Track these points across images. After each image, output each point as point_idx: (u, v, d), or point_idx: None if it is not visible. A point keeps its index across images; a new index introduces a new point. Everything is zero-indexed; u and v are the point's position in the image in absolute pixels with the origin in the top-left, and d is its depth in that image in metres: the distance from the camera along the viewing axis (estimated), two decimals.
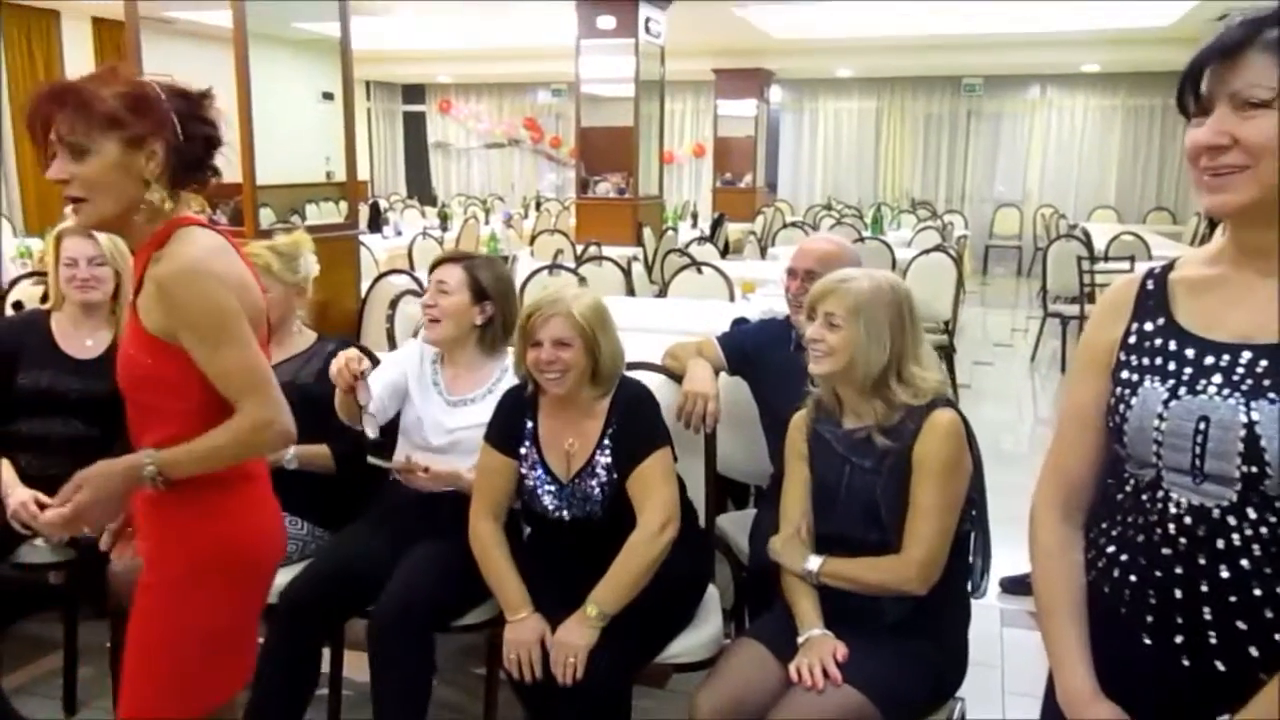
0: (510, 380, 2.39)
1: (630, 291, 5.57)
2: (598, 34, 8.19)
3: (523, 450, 2.21)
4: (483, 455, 2.24)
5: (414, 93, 16.34)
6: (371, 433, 2.29)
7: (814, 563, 1.95)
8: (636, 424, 2.16)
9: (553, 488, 2.18)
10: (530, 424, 2.22)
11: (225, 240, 1.63)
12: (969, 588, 2.05)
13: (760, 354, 2.68)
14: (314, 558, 2.43)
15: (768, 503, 2.65)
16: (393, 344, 4.00)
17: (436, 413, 2.42)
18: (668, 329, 3.44)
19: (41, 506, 2.49)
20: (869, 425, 1.95)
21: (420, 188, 15.99)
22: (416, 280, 4.74)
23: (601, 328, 2.14)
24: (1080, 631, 1.30)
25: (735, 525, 2.73)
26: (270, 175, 4.17)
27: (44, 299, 3.06)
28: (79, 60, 9.64)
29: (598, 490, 2.15)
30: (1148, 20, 9.77)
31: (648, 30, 8.29)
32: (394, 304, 4.07)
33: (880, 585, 1.90)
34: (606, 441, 2.16)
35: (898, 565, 1.88)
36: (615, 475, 2.14)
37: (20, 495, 2.50)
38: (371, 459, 2.33)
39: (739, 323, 3.09)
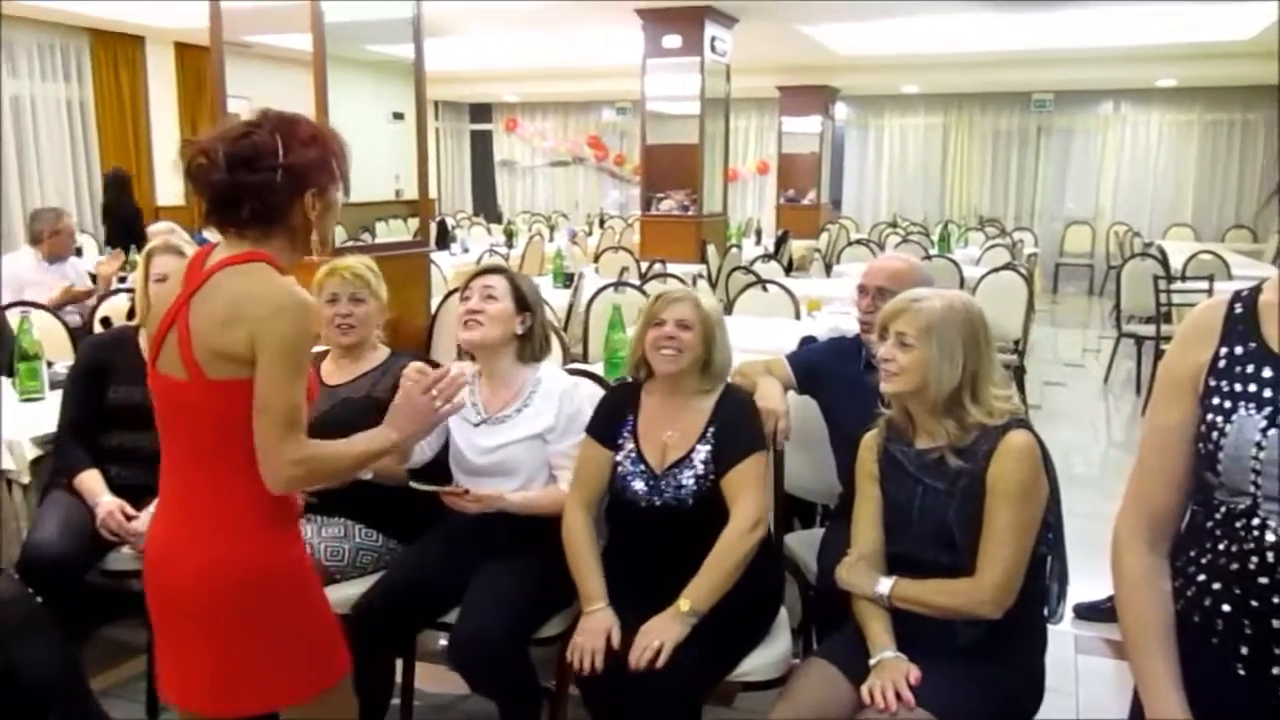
0: (542, 393, 2.45)
1: None
2: (663, 53, 8.25)
3: (620, 441, 2.29)
4: (583, 447, 2.34)
5: (481, 111, 16.61)
6: (418, 456, 2.43)
7: (885, 585, 1.93)
8: (739, 425, 2.25)
9: (645, 476, 2.24)
10: (631, 417, 2.31)
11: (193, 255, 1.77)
12: (1044, 612, 2.02)
13: (829, 372, 2.68)
14: (387, 569, 2.48)
15: (836, 522, 2.64)
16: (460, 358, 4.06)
17: (472, 434, 2.45)
18: (733, 346, 3.43)
19: (128, 516, 2.58)
20: (941, 445, 1.93)
21: (486, 205, 16.22)
22: None
23: (719, 326, 2.29)
24: (1171, 661, 1.27)
25: (803, 544, 2.72)
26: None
27: (130, 314, 3.18)
28: (163, 84, 9.98)
29: (692, 482, 2.21)
30: (1227, 34, 9.54)
31: (713, 49, 8.32)
32: None
33: (953, 608, 1.88)
34: (709, 436, 2.23)
35: (971, 589, 1.85)
36: (712, 469, 2.20)
37: (109, 504, 2.59)
38: (413, 483, 2.38)
39: (808, 341, 3.08)
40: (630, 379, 2.39)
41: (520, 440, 2.41)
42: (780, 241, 10.26)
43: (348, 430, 2.56)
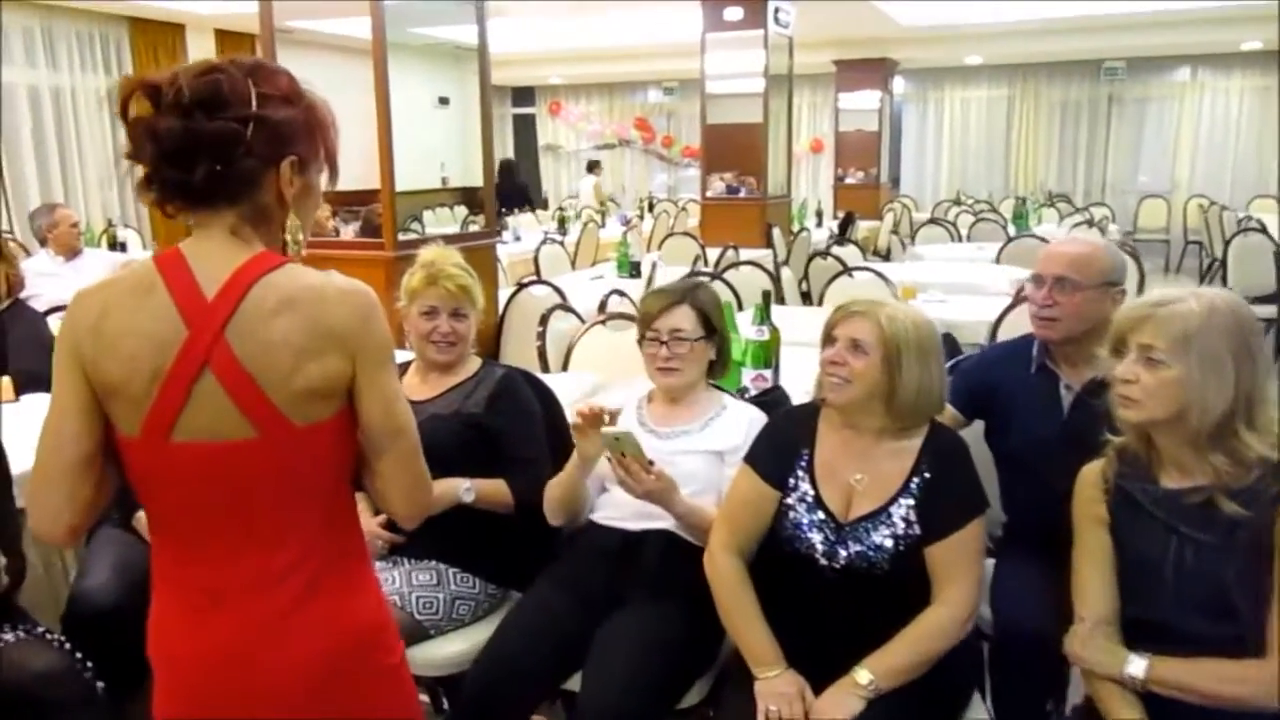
0: (729, 417, 2.12)
1: (779, 299, 5.16)
2: (724, 26, 7.87)
3: (792, 481, 1.87)
4: (740, 478, 1.93)
5: (524, 95, 16.22)
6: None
7: (1138, 665, 1.53)
8: (954, 481, 1.81)
9: (826, 528, 1.82)
10: (806, 451, 1.89)
11: (142, 273, 1.23)
12: None
13: (993, 384, 2.30)
14: (493, 617, 2.14)
15: (1009, 554, 2.26)
16: (544, 364, 3.70)
17: (642, 439, 2.09)
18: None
19: None
20: (1205, 485, 1.53)
21: (530, 191, 15.87)
22: (559, 291, 4.45)
23: (913, 351, 1.78)
24: None
25: None
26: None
27: None
28: None
29: (890, 542, 1.78)
30: None
31: (777, 21, 7.90)
32: (544, 320, 3.76)
33: (1236, 699, 1.47)
34: (913, 487, 1.80)
35: (1264, 674, 1.45)
36: (916, 529, 1.78)
37: None
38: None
39: (946, 341, 2.72)
40: (817, 401, 1.94)
41: (699, 451, 2.08)
42: (845, 223, 9.78)
43: (439, 451, 2.22)
